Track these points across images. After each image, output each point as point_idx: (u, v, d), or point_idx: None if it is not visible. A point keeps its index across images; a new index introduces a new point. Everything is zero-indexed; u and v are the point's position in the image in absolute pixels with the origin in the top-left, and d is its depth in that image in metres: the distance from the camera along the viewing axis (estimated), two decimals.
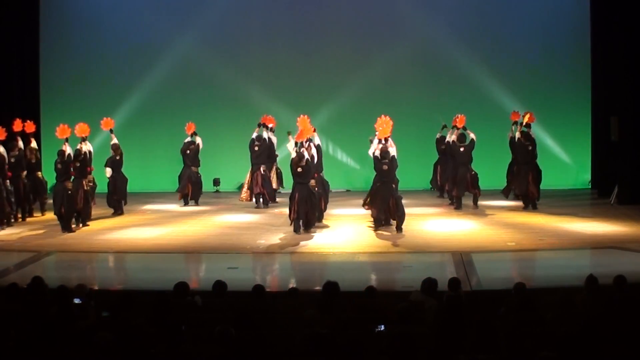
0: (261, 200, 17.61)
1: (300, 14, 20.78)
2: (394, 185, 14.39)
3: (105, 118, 17.13)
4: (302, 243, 13.51)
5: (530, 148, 16.51)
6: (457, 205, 16.79)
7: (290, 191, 14.58)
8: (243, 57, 20.74)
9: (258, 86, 20.53)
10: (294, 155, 14.57)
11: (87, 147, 15.55)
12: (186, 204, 18.07)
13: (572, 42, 20.11)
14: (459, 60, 20.26)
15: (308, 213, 14.33)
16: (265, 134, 17.60)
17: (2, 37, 19.04)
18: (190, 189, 18.09)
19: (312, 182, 14.58)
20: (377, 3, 20.76)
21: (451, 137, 16.98)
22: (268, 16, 20.82)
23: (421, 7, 20.49)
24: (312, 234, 14.14)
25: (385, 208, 14.27)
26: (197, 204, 18.09)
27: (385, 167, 14.20)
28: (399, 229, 14.18)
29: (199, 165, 18.18)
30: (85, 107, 20.22)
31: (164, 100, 20.86)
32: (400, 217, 14.26)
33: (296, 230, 14.24)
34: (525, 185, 16.47)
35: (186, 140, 18.10)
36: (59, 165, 14.83)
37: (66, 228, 14.66)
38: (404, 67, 20.54)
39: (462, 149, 16.64)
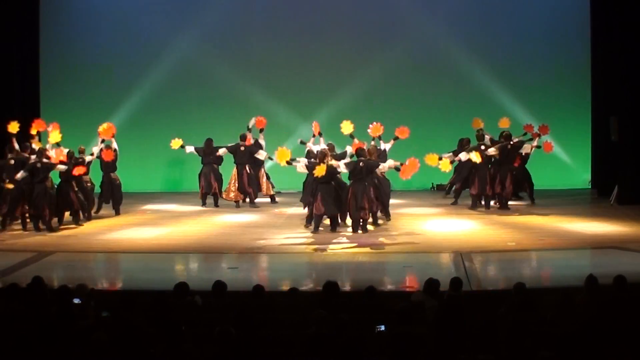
0: (247, 200, 17.63)
1: (300, 14, 20.77)
2: (366, 183, 14.16)
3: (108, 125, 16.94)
4: (302, 243, 13.51)
5: (509, 147, 16.44)
6: (472, 204, 16.67)
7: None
8: (243, 56, 20.73)
9: (258, 86, 20.53)
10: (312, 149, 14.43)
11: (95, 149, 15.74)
12: (204, 204, 17.80)
13: (572, 42, 20.11)
14: (459, 60, 20.25)
15: (333, 212, 14.24)
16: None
17: (2, 37, 19.03)
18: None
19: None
20: (378, 3, 20.76)
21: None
22: (268, 16, 20.82)
23: (421, 7, 20.47)
24: (316, 234, 14.15)
25: (361, 205, 14.07)
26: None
27: (361, 164, 14.14)
28: (375, 223, 14.20)
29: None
30: (85, 107, 20.25)
31: (164, 100, 20.84)
32: (374, 212, 14.32)
33: (316, 228, 14.18)
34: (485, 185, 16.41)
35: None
36: (38, 165, 14.70)
37: (49, 227, 14.64)
38: (404, 67, 20.51)
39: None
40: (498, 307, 8.13)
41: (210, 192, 17.66)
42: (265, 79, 20.59)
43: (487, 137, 16.73)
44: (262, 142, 17.79)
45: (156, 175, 20.83)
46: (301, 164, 14.44)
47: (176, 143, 17.51)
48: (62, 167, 14.88)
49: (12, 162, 14.96)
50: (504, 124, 16.80)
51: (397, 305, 7.70)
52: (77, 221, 15.21)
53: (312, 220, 14.35)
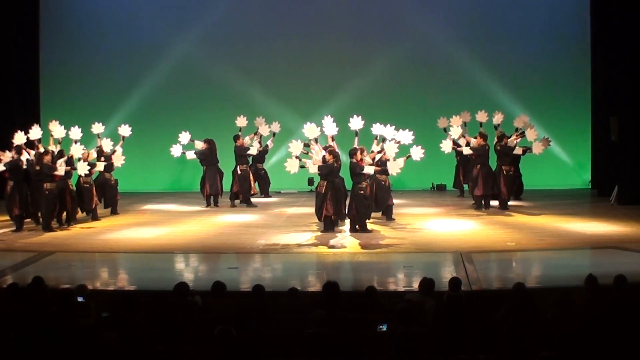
0: (236, 200, 17.70)
1: (300, 14, 20.79)
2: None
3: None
4: (302, 243, 13.51)
5: (498, 148, 16.50)
6: (476, 205, 16.62)
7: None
8: (243, 56, 20.75)
9: (258, 86, 20.56)
10: (322, 154, 14.39)
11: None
12: (209, 205, 17.74)
13: (572, 42, 20.13)
14: (459, 60, 20.27)
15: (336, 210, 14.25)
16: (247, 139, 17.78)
17: (2, 37, 19.04)
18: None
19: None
20: (378, 3, 20.78)
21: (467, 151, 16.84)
22: (268, 16, 20.84)
23: (421, 6, 20.51)
24: (316, 233, 14.16)
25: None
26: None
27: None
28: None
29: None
30: (85, 107, 20.24)
31: (164, 99, 20.86)
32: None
33: (327, 229, 14.17)
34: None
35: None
36: (37, 167, 14.65)
37: (47, 228, 14.57)
38: (404, 67, 20.54)
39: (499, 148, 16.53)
40: (498, 307, 8.13)
41: (215, 193, 17.66)
42: (265, 79, 20.62)
43: (468, 138, 16.76)
44: (270, 145, 18.22)
45: (156, 175, 20.84)
46: (311, 163, 14.37)
47: (177, 150, 17.49)
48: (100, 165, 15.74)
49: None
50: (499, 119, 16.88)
51: (397, 305, 7.70)
52: (68, 222, 15.18)
53: (329, 225, 14.29)
